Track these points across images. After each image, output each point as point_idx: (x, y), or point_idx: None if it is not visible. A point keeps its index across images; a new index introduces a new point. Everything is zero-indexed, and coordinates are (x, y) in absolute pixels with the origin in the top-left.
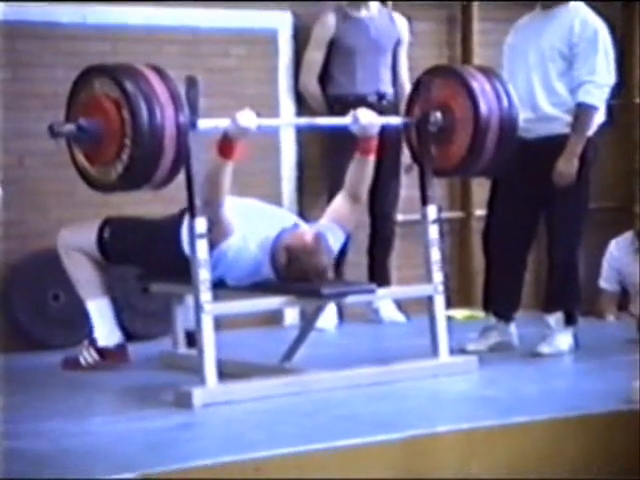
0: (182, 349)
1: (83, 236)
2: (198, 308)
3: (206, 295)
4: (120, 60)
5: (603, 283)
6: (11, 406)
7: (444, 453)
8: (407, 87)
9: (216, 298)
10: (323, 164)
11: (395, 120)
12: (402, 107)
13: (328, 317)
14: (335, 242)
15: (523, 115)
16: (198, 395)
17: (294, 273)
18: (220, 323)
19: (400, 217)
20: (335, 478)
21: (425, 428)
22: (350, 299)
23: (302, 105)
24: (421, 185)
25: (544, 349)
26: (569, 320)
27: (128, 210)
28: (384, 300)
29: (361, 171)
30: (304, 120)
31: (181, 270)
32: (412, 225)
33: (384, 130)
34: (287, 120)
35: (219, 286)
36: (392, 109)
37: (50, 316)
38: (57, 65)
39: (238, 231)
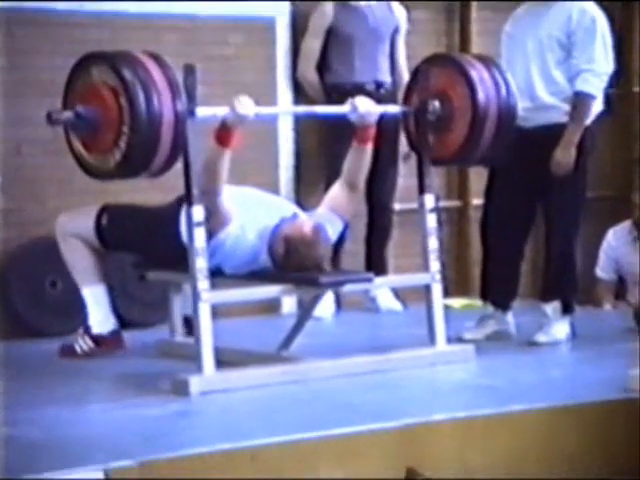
0: (179, 337)
1: (81, 222)
2: (195, 296)
3: (203, 283)
4: (118, 48)
5: (600, 272)
6: (7, 393)
7: (441, 442)
8: (405, 76)
9: (213, 286)
10: (321, 153)
11: (393, 109)
12: (400, 96)
13: (325, 306)
14: (333, 231)
15: (521, 104)
16: (195, 383)
17: (292, 263)
18: (217, 311)
19: (397, 206)
20: (332, 466)
21: (422, 417)
22: (347, 288)
23: (300, 93)
24: (419, 174)
25: (541, 338)
26: (566, 309)
27: (126, 198)
28: (381, 289)
29: (359, 160)
30: (302, 108)
31: (179, 258)
32: (409, 214)
33: (382, 119)
34: (285, 108)
35: (216, 274)
36: (390, 98)
37: (48, 304)
38: (54, 52)
39: (236, 220)
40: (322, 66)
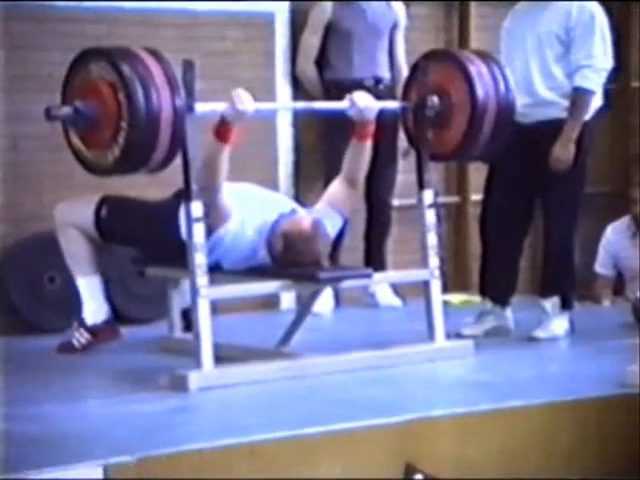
0: (178, 333)
1: (80, 212)
2: (194, 292)
3: (202, 279)
4: (116, 43)
5: (599, 268)
6: (6, 389)
7: (439, 437)
8: (404, 71)
9: (212, 282)
10: (319, 148)
11: (392, 104)
12: (399, 91)
13: (324, 301)
14: (332, 228)
15: (520, 100)
16: (194, 379)
17: (290, 259)
18: (216, 307)
19: (396, 202)
20: (331, 462)
21: (420, 412)
22: (346, 284)
23: (299, 89)
24: (418, 170)
25: (540, 334)
26: (565, 305)
27: (124, 193)
28: (380, 285)
29: (358, 156)
30: (301, 104)
31: (177, 253)
32: (408, 210)
33: (381, 114)
34: (284, 104)
35: (215, 270)
36: (389, 93)
37: (46, 299)
38: (52, 47)
39: (235, 216)
40: (321, 62)
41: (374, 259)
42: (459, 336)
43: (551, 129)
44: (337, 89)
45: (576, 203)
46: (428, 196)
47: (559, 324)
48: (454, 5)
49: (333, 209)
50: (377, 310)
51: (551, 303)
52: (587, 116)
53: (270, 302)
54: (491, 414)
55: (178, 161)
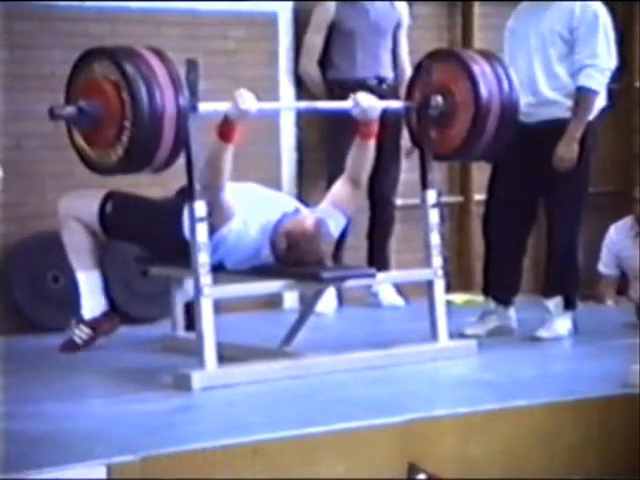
0: (181, 332)
1: (85, 206)
2: (198, 291)
3: (206, 279)
4: (118, 42)
5: (602, 268)
6: (10, 388)
7: (442, 437)
8: (407, 71)
9: (215, 281)
10: (322, 148)
11: (396, 104)
12: (403, 91)
13: (327, 301)
14: (336, 227)
15: (524, 99)
16: (197, 378)
17: (293, 259)
18: (219, 306)
19: (399, 201)
20: (334, 461)
21: (424, 412)
22: (349, 283)
23: (302, 88)
24: (421, 169)
25: (543, 333)
26: (568, 305)
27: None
28: (383, 284)
29: (362, 156)
30: (304, 104)
31: (180, 252)
32: (411, 209)
33: (384, 114)
34: (288, 104)
35: (218, 269)
36: (392, 93)
37: (50, 298)
38: (55, 46)
39: (239, 215)
40: (324, 61)
41: (377, 259)
42: (462, 336)
43: (555, 129)
44: (340, 89)
45: (579, 203)
46: (431, 196)
47: (562, 324)
48: (457, 4)
49: (336, 208)
50: (380, 309)
51: (554, 303)
52: (591, 116)
53: (273, 301)
54: (494, 414)
55: (181, 160)
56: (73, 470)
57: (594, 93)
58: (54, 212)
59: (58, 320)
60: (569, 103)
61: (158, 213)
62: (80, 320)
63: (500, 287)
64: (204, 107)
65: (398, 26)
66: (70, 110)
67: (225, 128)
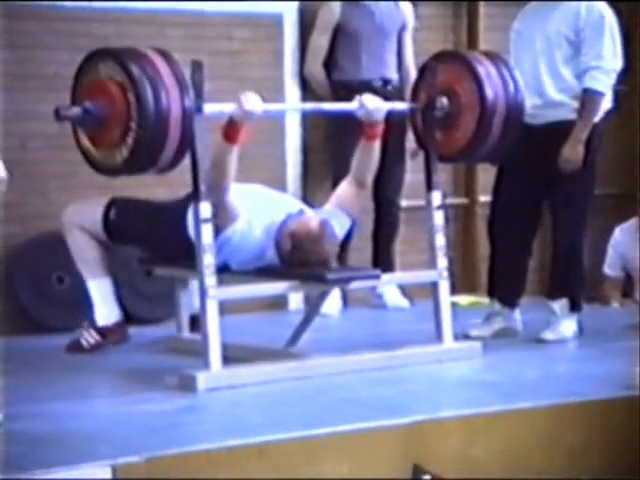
0: (186, 333)
1: (88, 214)
2: (203, 293)
3: (211, 280)
4: (122, 42)
5: (607, 269)
6: (14, 388)
7: (447, 438)
8: (412, 72)
9: (220, 283)
10: (327, 149)
11: (401, 105)
12: (408, 92)
13: (332, 302)
14: (340, 228)
15: (530, 101)
16: (202, 379)
17: (298, 260)
18: (224, 307)
19: (404, 203)
20: (339, 462)
21: (428, 413)
22: (354, 284)
23: (307, 90)
24: (426, 171)
25: (548, 335)
26: (573, 306)
27: (131, 193)
28: (388, 285)
29: (367, 157)
30: (310, 105)
31: (185, 254)
32: (416, 211)
33: (389, 115)
34: (293, 105)
35: (223, 270)
36: (397, 94)
37: (55, 299)
38: (59, 47)
39: (243, 216)
40: (329, 63)
41: (382, 260)
42: (467, 337)
43: (560, 130)
44: (345, 90)
45: (585, 204)
46: (436, 197)
47: (567, 326)
48: (463, 5)
49: (341, 210)
50: (385, 311)
51: (559, 305)
52: (596, 118)
53: (278, 303)
54: (498, 415)
55: (186, 161)
56: (78, 470)
57: (600, 95)
58: (58, 213)
59: (63, 320)
60: (575, 105)
61: (162, 215)
62: (92, 324)
63: (505, 289)
64: (209, 108)
65: (403, 28)
66: (75, 111)
67: (230, 129)
